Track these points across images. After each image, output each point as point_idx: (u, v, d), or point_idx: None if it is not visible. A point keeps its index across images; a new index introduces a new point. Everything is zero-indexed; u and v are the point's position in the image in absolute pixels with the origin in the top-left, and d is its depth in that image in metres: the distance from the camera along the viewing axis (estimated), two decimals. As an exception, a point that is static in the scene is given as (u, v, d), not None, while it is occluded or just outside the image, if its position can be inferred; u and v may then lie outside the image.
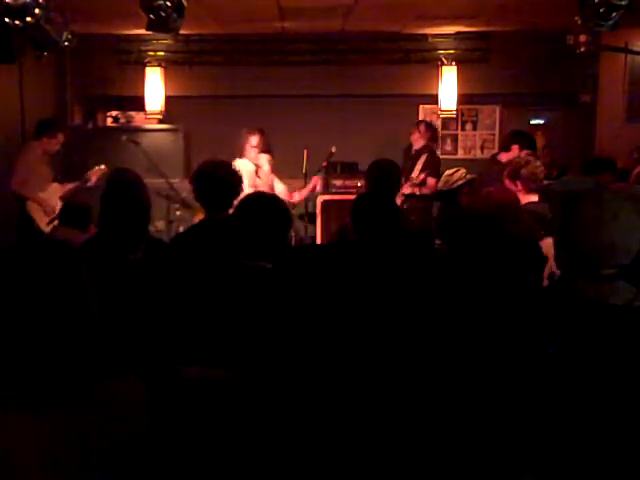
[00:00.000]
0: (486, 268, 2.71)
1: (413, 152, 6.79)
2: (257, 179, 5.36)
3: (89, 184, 6.04)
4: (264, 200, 2.73)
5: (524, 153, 5.33)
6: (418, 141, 6.77)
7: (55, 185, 6.03)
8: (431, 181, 6.35)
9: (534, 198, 3.98)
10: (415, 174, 6.43)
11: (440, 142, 8.37)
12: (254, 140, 5.35)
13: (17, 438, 1.44)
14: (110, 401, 1.53)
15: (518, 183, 4.00)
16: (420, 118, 8.30)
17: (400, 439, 2.24)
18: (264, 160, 5.41)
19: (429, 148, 6.76)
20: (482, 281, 2.64)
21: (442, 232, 5.42)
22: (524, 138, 5.67)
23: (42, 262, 1.54)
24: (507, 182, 4.05)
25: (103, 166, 6.11)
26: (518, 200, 3.84)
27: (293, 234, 5.61)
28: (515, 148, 5.57)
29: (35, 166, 5.90)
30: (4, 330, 1.49)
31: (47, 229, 5.68)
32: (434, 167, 6.49)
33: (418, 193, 6.28)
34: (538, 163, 4.09)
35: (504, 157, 5.58)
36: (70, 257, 1.59)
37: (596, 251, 1.80)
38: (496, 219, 2.94)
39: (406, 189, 6.13)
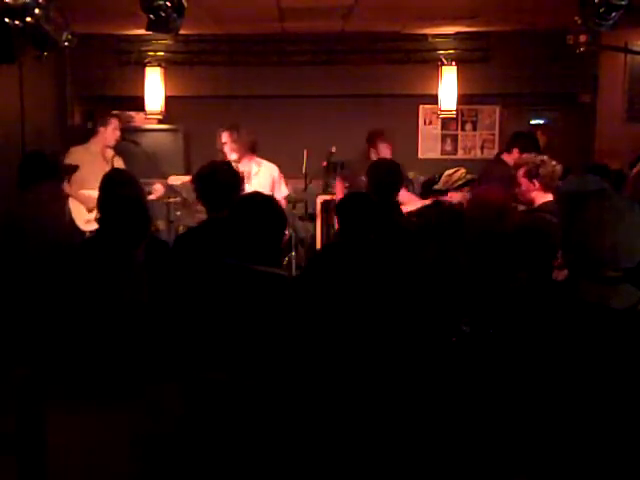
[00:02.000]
0: (484, 267, 2.71)
1: None
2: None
3: (151, 197, 5.77)
4: (257, 201, 2.72)
5: (526, 156, 5.33)
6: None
7: None
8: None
9: (550, 197, 3.98)
10: None
11: (440, 142, 8.38)
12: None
13: (68, 436, 1.45)
14: (155, 402, 1.54)
15: (536, 182, 3.99)
16: (420, 118, 8.32)
17: (396, 438, 2.24)
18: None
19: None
20: (480, 280, 2.64)
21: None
22: (525, 140, 5.64)
23: (90, 265, 1.55)
24: (524, 182, 4.04)
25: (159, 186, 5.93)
26: (507, 198, 3.84)
27: (293, 233, 5.61)
28: (515, 151, 5.56)
29: (84, 162, 5.67)
30: (59, 335, 1.50)
31: (85, 227, 5.56)
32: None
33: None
34: (554, 162, 4.09)
35: (507, 158, 5.58)
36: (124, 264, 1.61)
37: (599, 252, 1.79)
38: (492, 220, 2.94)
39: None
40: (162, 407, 1.57)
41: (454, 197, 5.81)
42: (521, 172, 4.08)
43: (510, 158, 5.58)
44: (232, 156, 5.38)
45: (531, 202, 4.03)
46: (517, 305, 2.08)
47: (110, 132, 5.97)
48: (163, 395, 1.58)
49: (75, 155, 5.90)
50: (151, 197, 5.79)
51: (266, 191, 5.37)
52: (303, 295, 2.72)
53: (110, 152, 5.95)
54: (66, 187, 5.81)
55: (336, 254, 3.39)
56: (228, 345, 2.37)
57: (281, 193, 5.66)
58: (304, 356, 2.39)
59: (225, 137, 5.47)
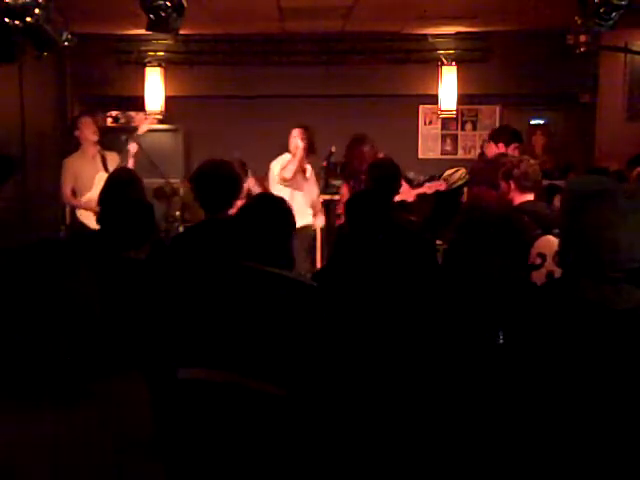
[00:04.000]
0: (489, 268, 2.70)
1: None
2: None
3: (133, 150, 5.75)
4: (266, 202, 2.72)
5: (511, 148, 5.32)
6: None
7: (101, 174, 5.60)
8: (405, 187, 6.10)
9: (530, 197, 3.99)
10: None
11: (440, 142, 8.38)
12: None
13: (18, 437, 1.44)
14: (111, 398, 1.53)
15: (511, 183, 4.01)
16: (420, 118, 8.32)
17: (395, 441, 2.24)
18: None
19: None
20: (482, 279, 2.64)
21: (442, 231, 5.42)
22: (507, 133, 5.60)
23: (41, 261, 1.54)
24: (502, 183, 4.06)
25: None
26: (503, 200, 3.86)
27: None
28: (501, 145, 5.53)
29: (79, 170, 5.77)
30: (3, 329, 1.49)
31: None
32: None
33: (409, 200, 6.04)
34: (532, 162, 4.09)
35: (493, 148, 5.52)
36: (70, 255, 1.60)
37: (600, 252, 1.78)
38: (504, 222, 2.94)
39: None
40: (120, 403, 1.56)
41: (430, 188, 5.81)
42: (500, 174, 4.10)
43: (495, 149, 5.53)
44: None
45: (510, 203, 4.03)
46: (521, 305, 2.07)
47: (86, 132, 5.86)
48: (120, 391, 1.58)
49: (71, 164, 5.89)
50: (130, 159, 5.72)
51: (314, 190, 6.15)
52: (323, 300, 2.71)
53: (96, 149, 5.86)
54: (71, 199, 5.84)
55: (349, 256, 3.38)
56: (235, 347, 2.37)
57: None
58: (320, 358, 2.39)
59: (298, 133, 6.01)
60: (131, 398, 1.58)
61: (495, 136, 5.59)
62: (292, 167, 5.91)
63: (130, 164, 5.63)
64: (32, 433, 1.46)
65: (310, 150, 6.05)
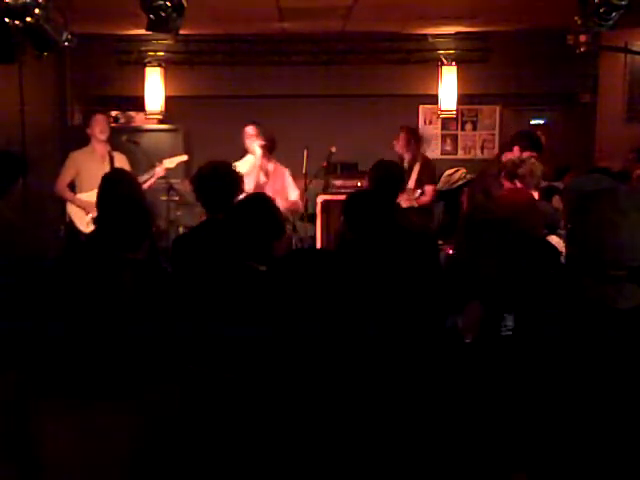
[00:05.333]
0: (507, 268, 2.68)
1: (405, 164, 6.32)
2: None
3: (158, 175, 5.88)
4: (253, 203, 2.73)
5: (526, 154, 5.30)
6: (405, 151, 6.42)
7: None
8: (429, 188, 6.15)
9: (535, 196, 3.99)
10: (411, 185, 6.15)
11: (440, 142, 8.38)
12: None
13: (65, 438, 1.46)
14: (154, 402, 1.55)
15: (517, 182, 4.01)
16: (420, 118, 8.32)
17: (393, 437, 2.24)
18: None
19: (420, 156, 6.46)
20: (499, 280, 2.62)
21: (447, 232, 5.41)
22: (526, 139, 5.61)
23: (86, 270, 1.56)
24: (506, 184, 4.06)
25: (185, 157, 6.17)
26: (533, 199, 3.84)
27: (293, 234, 5.62)
28: (516, 149, 5.53)
29: (83, 166, 5.78)
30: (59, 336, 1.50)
31: (87, 229, 5.53)
32: (430, 174, 6.28)
33: (417, 205, 6.10)
34: (533, 160, 4.10)
35: (504, 158, 5.53)
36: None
37: (602, 251, 1.79)
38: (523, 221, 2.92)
39: (404, 202, 5.90)
40: (161, 408, 1.57)
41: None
42: (502, 174, 4.11)
43: (511, 156, 5.54)
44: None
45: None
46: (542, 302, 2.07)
47: (97, 130, 5.90)
48: (162, 396, 1.59)
49: (75, 158, 5.91)
50: (151, 179, 5.80)
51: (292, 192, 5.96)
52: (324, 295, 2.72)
53: (106, 148, 5.85)
54: (64, 191, 5.84)
55: (351, 254, 3.39)
56: (243, 344, 2.37)
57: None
58: (319, 354, 2.39)
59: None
60: (168, 401, 1.60)
61: (512, 141, 5.61)
62: (251, 182, 5.48)
63: (148, 184, 5.69)
64: (86, 433, 1.47)
65: (270, 149, 5.87)
